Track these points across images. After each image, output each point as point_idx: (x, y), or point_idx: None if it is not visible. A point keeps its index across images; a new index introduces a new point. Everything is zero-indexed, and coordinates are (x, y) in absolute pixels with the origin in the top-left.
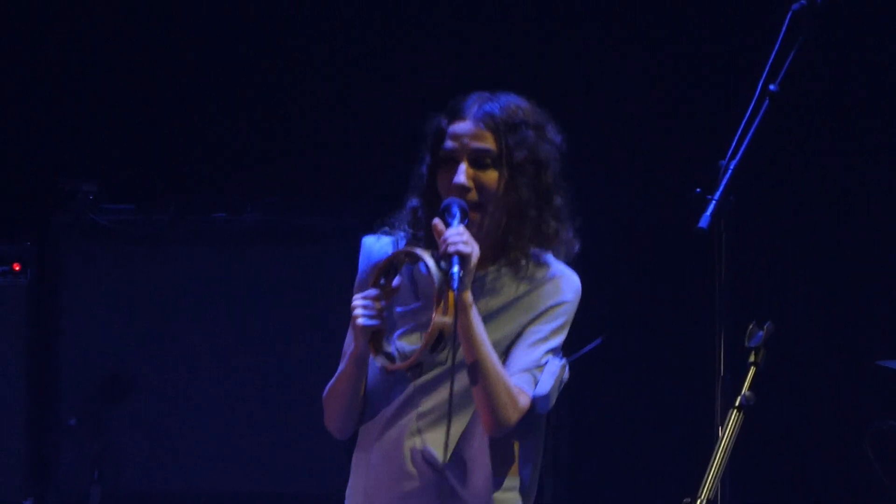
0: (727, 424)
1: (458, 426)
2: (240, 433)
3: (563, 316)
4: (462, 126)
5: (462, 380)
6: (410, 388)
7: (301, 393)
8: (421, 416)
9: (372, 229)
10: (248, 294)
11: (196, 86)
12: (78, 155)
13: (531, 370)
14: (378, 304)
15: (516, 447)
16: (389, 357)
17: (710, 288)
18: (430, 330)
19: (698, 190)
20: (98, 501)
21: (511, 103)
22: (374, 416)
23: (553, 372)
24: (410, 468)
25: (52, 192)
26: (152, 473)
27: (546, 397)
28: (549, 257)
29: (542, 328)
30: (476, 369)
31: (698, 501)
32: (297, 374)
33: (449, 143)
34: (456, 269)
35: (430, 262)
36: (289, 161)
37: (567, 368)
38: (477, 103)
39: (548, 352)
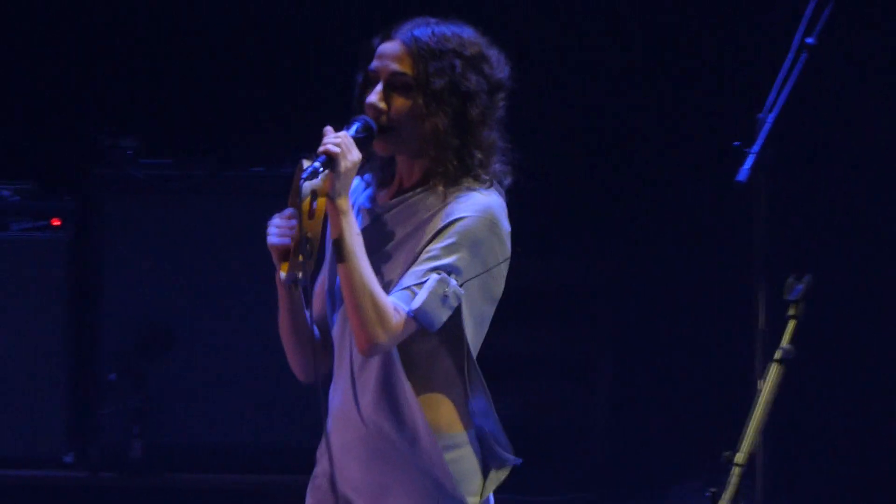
0: (767, 378)
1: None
2: (279, 386)
3: (459, 234)
4: (387, 46)
5: None
6: (339, 323)
7: None
8: (353, 358)
9: None
10: None
11: (235, 40)
12: (117, 110)
13: (410, 287)
14: (289, 223)
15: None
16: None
17: (748, 241)
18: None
19: (737, 143)
20: (139, 455)
21: (447, 31)
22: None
23: (429, 287)
24: (344, 414)
25: (92, 147)
26: (193, 427)
27: (424, 312)
28: (474, 185)
29: (434, 247)
30: (343, 280)
31: (738, 455)
32: None
33: (373, 63)
34: (316, 163)
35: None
36: (327, 114)
37: (452, 284)
38: (410, 26)
39: (434, 269)
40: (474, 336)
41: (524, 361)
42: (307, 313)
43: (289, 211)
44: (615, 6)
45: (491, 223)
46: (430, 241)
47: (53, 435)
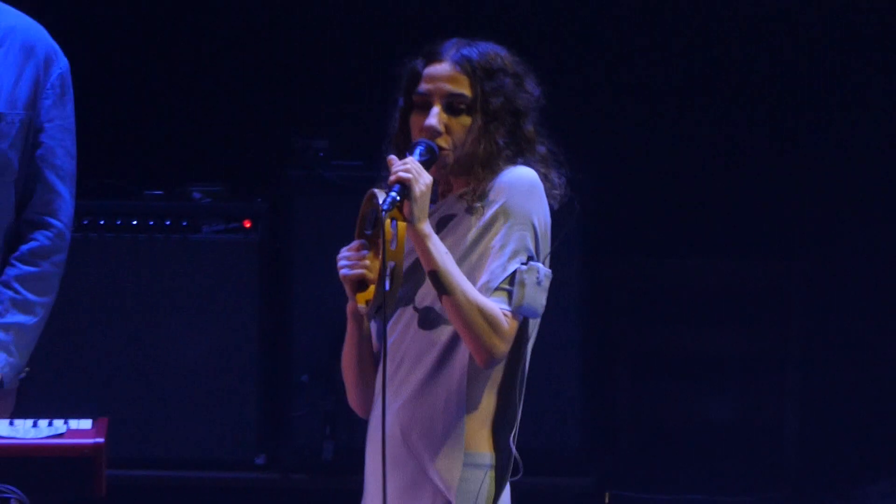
0: None
1: (412, 375)
2: None
3: (510, 215)
4: (438, 68)
5: (413, 320)
6: (389, 338)
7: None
8: (391, 369)
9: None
10: None
11: (419, 42)
12: (308, 111)
13: (501, 287)
14: (359, 254)
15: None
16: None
17: None
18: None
19: None
20: (331, 457)
21: (490, 50)
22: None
23: (520, 280)
24: (381, 428)
25: (283, 149)
26: None
27: (527, 307)
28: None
29: (497, 239)
30: (446, 302)
31: None
32: None
33: (423, 86)
34: (393, 193)
35: (381, 198)
36: None
37: (538, 266)
38: (455, 47)
39: (510, 257)
40: (534, 332)
41: (715, 362)
42: (373, 343)
43: (357, 242)
44: None
45: (532, 192)
46: (487, 233)
47: (245, 436)
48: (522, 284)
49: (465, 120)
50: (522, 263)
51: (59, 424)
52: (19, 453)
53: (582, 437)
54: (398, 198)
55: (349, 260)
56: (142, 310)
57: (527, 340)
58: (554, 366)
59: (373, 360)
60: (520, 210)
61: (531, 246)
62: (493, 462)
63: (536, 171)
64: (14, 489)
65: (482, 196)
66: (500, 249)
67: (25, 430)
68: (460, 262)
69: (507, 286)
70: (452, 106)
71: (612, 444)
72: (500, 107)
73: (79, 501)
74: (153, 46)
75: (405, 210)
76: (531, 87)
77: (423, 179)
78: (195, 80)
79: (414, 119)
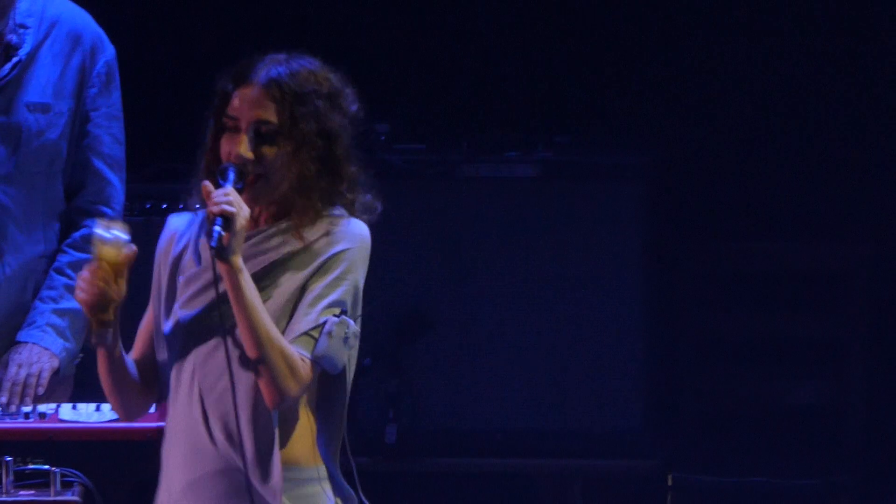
0: None
1: (243, 402)
2: (534, 370)
3: (341, 266)
4: (247, 93)
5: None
6: (191, 360)
7: (593, 330)
8: (206, 394)
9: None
10: (540, 232)
11: (484, 21)
12: (370, 95)
13: (309, 332)
14: (94, 278)
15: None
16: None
17: None
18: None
19: None
20: (394, 440)
21: (303, 70)
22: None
23: (329, 331)
24: (196, 453)
25: None
26: (448, 412)
27: (329, 358)
28: (340, 211)
29: (318, 285)
30: (248, 338)
31: None
32: (588, 312)
33: (232, 110)
34: (217, 228)
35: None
36: (581, 99)
37: (351, 325)
38: (265, 68)
39: (326, 308)
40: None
41: (780, 345)
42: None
43: (94, 265)
44: None
45: (366, 254)
46: (311, 277)
47: None
48: (330, 336)
49: (273, 147)
50: (336, 315)
51: None
52: (83, 437)
53: (645, 419)
54: (223, 232)
55: (84, 282)
56: None
57: (343, 393)
58: (618, 348)
59: (130, 372)
60: (349, 267)
61: (349, 302)
62: (325, 474)
63: (344, 201)
64: (77, 472)
65: (310, 234)
66: (318, 297)
67: (88, 414)
68: (288, 302)
69: (314, 333)
70: (261, 133)
71: (676, 427)
72: (311, 131)
73: (141, 484)
74: (217, 32)
75: (223, 242)
76: (347, 103)
77: (243, 212)
78: None
79: (224, 142)
